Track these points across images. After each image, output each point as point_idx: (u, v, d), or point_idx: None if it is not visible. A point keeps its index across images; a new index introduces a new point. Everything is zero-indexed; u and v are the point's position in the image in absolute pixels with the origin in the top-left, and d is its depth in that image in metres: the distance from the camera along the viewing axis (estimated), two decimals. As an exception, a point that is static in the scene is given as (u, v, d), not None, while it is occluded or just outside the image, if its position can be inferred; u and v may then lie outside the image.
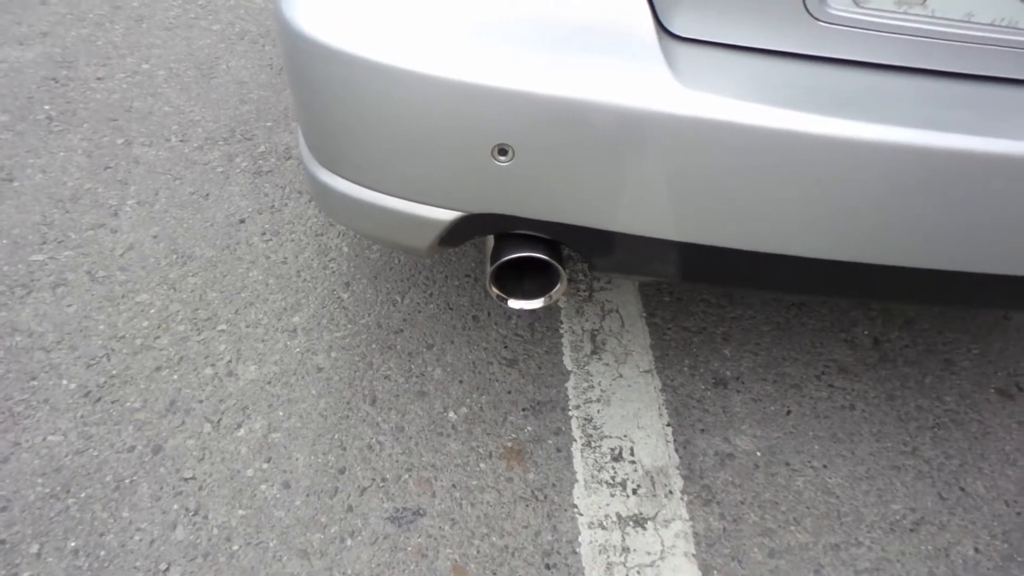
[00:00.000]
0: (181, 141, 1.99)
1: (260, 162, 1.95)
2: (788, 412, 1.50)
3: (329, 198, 1.11)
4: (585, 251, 1.08)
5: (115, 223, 1.70)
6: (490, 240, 1.14)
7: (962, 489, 1.40)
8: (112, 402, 1.33)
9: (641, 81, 0.88)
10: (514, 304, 1.13)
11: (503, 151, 0.94)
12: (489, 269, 1.09)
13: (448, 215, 1.04)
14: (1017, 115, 0.95)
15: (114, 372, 1.38)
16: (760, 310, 1.72)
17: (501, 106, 0.90)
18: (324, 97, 0.98)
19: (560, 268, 1.08)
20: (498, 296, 1.13)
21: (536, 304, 1.12)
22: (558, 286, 1.11)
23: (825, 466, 1.40)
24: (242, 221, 1.76)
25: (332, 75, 0.95)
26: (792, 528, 1.30)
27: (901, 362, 1.64)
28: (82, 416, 1.30)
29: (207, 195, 1.82)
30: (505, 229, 1.07)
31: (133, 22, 2.50)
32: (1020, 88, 0.96)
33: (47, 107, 2.04)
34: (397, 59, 0.90)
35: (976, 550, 1.30)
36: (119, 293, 1.54)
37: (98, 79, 2.18)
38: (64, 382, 1.35)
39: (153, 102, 2.12)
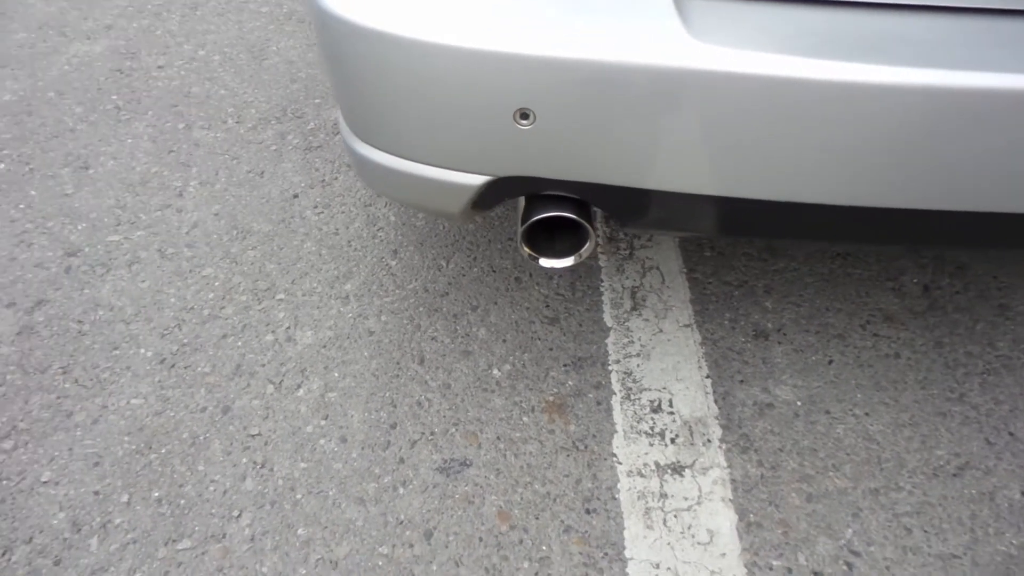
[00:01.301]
0: (237, 122, 2.09)
1: (310, 138, 2.04)
2: (830, 362, 1.50)
3: (368, 169, 1.17)
4: (612, 209, 1.12)
5: (180, 203, 1.82)
6: (521, 202, 1.19)
7: (1011, 434, 1.38)
8: (185, 368, 1.46)
9: (653, 38, 0.90)
10: (545, 263, 1.17)
11: (524, 115, 0.98)
12: (520, 229, 1.13)
13: (478, 179, 1.09)
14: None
15: (185, 340, 1.50)
16: (804, 262, 1.71)
17: (519, 71, 0.94)
18: (355, 73, 1.04)
19: (589, 226, 1.11)
20: (529, 255, 1.18)
21: (567, 262, 1.16)
22: (587, 244, 1.15)
23: (867, 414, 1.41)
24: (295, 196, 1.86)
25: (361, 52, 1.00)
26: (831, 474, 1.32)
27: (951, 309, 1.61)
28: (159, 381, 1.43)
29: (262, 173, 1.92)
30: (534, 191, 1.11)
31: (188, 10, 2.62)
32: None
33: (115, 97, 2.18)
34: (418, 32, 0.94)
35: (1023, 494, 1.29)
36: (187, 268, 1.66)
37: (159, 67, 2.31)
38: (142, 351, 1.48)
39: (210, 86, 2.23)
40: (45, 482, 1.27)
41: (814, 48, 0.91)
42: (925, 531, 1.24)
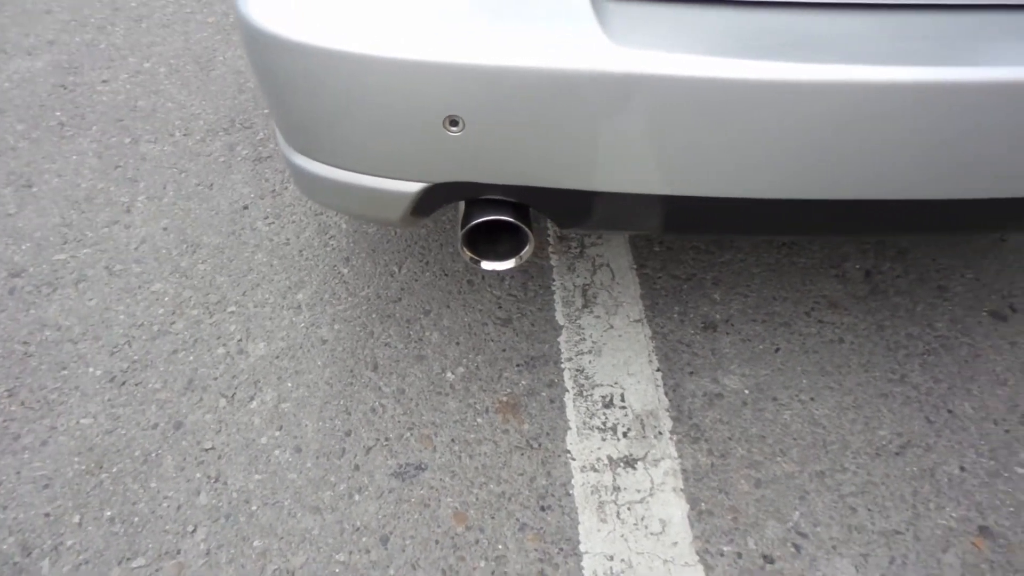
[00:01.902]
0: (184, 135, 2.08)
1: (260, 149, 2.03)
2: (777, 350, 1.54)
3: (306, 180, 1.18)
4: (547, 210, 1.13)
5: (128, 219, 1.81)
6: (461, 206, 1.20)
7: (950, 411, 1.43)
8: (135, 385, 1.44)
9: (573, 43, 0.92)
10: (486, 266, 1.19)
11: (454, 122, 0.99)
12: (460, 233, 1.15)
13: (414, 187, 1.10)
14: (962, 41, 0.96)
15: (135, 357, 1.49)
16: (750, 253, 1.75)
17: (445, 79, 0.95)
18: (285, 86, 1.05)
19: (527, 229, 1.13)
20: (471, 259, 1.19)
21: (507, 265, 1.18)
22: (527, 247, 1.17)
23: (812, 399, 1.45)
24: (245, 207, 1.85)
25: (289, 65, 1.01)
26: (778, 459, 1.35)
27: (892, 292, 1.66)
28: (109, 399, 1.42)
29: (211, 185, 1.91)
30: (471, 196, 1.13)
31: (133, 22, 2.58)
32: (958, 14, 0.98)
33: (58, 113, 2.15)
34: (343, 44, 0.95)
35: (962, 468, 1.34)
36: (135, 284, 1.64)
37: (103, 82, 2.28)
38: (91, 369, 1.47)
39: (156, 99, 2.21)
40: (-7, 508, 1.25)
41: (729, 48, 0.93)
42: (869, 509, 1.28)
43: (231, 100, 2.21)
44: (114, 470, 1.31)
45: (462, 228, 1.14)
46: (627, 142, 0.99)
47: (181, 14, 2.63)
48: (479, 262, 1.19)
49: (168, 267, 1.69)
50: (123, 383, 1.45)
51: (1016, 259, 1.75)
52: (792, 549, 1.23)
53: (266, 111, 2.16)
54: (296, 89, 1.03)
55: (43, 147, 2.02)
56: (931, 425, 1.41)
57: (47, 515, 1.25)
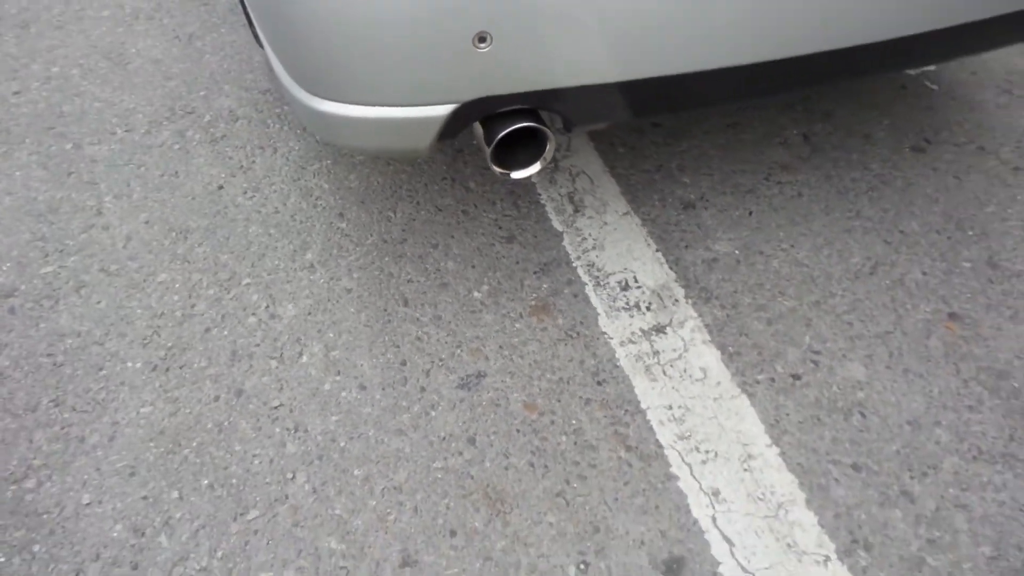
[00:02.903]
0: (127, 131, 2.02)
1: (211, 130, 2.01)
2: (750, 213, 1.74)
3: (329, 124, 1.23)
4: (563, 110, 1.25)
5: (103, 221, 1.77)
6: (478, 128, 1.29)
7: (901, 232, 1.68)
8: (180, 368, 1.47)
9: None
10: (516, 174, 1.30)
11: (482, 38, 1.09)
12: (488, 151, 1.25)
13: (444, 110, 1.18)
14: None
15: (169, 344, 1.51)
16: (703, 138, 1.93)
17: (473, -1, 1.04)
18: (311, 27, 1.10)
19: (548, 130, 1.24)
20: (500, 172, 1.29)
21: (535, 168, 1.29)
22: (548, 146, 1.28)
23: (792, 246, 1.66)
24: (220, 187, 1.85)
25: (317, 5, 1.06)
26: (779, 299, 1.56)
27: (829, 148, 1.89)
28: (160, 385, 1.44)
29: (176, 173, 1.89)
30: (491, 111, 1.23)
31: (20, 29, 2.43)
32: None
33: (-21, 134, 2.03)
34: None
35: (923, 273, 1.59)
36: (139, 279, 1.64)
37: (15, 93, 2.16)
38: (129, 364, 1.48)
39: (81, 102, 2.13)
40: (88, 504, 1.27)
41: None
42: (862, 320, 1.51)
43: (161, 89, 2.16)
44: (193, 444, 1.35)
45: (488, 145, 1.24)
46: (634, 28, 1.11)
47: (70, 13, 2.50)
48: (508, 173, 1.30)
49: (166, 257, 1.68)
50: (167, 369, 1.47)
51: (917, 102, 2.03)
52: (812, 365, 1.44)
53: (203, 93, 2.13)
54: (323, 31, 1.08)
55: (-21, 169, 1.92)
56: (890, 246, 1.65)
57: (145, 497, 1.28)
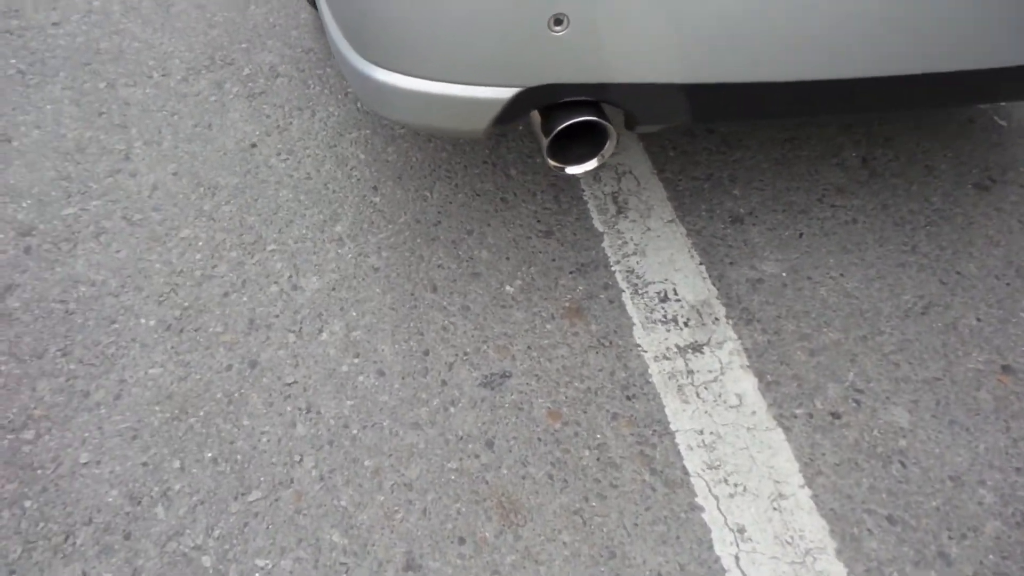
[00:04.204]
0: (163, 76, 1.95)
1: (250, 85, 1.94)
2: (800, 235, 1.66)
3: (383, 94, 1.16)
4: (630, 106, 1.17)
5: (130, 167, 1.71)
6: (535, 117, 1.22)
7: (958, 273, 1.59)
8: (195, 330, 1.41)
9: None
10: (571, 170, 1.22)
11: (559, 21, 1.01)
12: (545, 142, 1.17)
13: (506, 92, 1.11)
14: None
15: (186, 304, 1.45)
16: (758, 150, 1.85)
17: (554, -24, 0.96)
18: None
19: (610, 125, 1.17)
20: (555, 166, 1.22)
21: (592, 165, 1.22)
22: (608, 143, 1.21)
23: (842, 274, 1.58)
24: (253, 145, 1.78)
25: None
26: (824, 329, 1.48)
27: (888, 175, 1.80)
28: (172, 347, 1.38)
29: (210, 125, 1.82)
30: (556, 99, 1.15)
31: (63, -41, 2.36)
32: None
33: (13, 61, 1.97)
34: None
35: (978, 319, 1.51)
36: (161, 232, 1.58)
37: (54, 24, 2.09)
38: (143, 320, 1.42)
39: (120, 40, 2.06)
40: (85, 463, 1.22)
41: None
42: (910, 363, 1.43)
43: (203, 36, 2.09)
44: (201, 413, 1.29)
45: (546, 136, 1.17)
46: (720, 28, 1.03)
47: (116, -53, 2.42)
48: (563, 168, 1.22)
49: (191, 212, 1.62)
50: (181, 330, 1.41)
51: (985, 137, 1.93)
52: (853, 404, 1.37)
53: (244, 45, 2.06)
54: (391, -2, 1.01)
55: (9, 98, 1.86)
56: (945, 286, 1.57)
57: (145, 464, 1.22)
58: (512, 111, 1.15)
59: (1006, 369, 1.43)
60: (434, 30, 1.02)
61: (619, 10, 0.99)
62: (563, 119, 1.15)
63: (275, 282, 1.50)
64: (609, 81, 1.09)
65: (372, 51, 1.11)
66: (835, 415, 1.35)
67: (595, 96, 1.14)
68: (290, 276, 1.51)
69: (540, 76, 1.08)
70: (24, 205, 1.61)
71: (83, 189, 1.65)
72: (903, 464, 1.29)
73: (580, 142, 1.26)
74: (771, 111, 1.27)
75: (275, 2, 2.22)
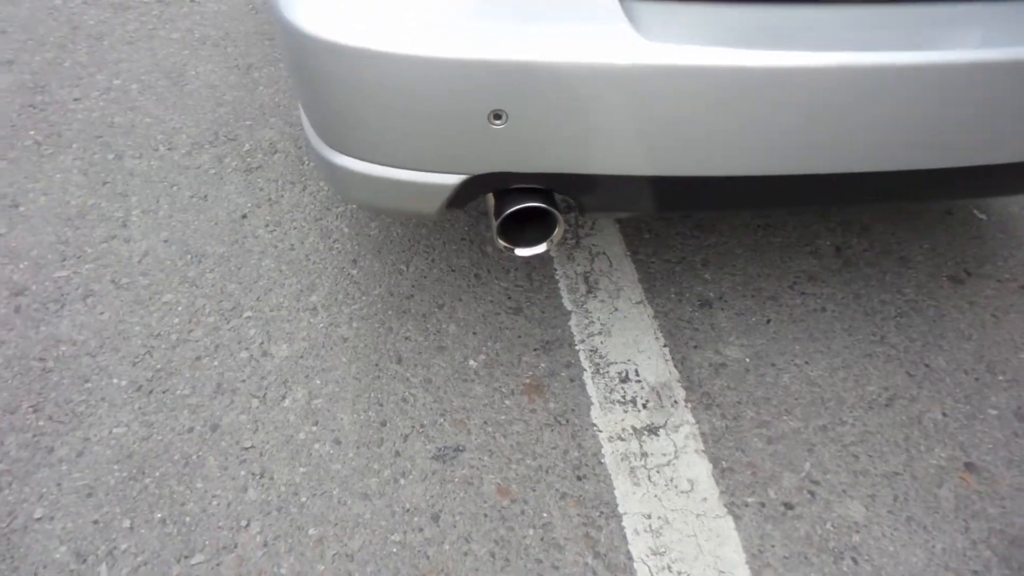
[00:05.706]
0: (169, 149, 2.07)
1: (248, 160, 2.05)
2: (768, 321, 1.67)
3: (343, 178, 1.23)
4: (576, 195, 1.22)
5: (126, 233, 1.80)
6: (490, 198, 1.28)
7: (927, 365, 1.59)
8: (163, 392, 1.46)
9: (609, 40, 1.02)
10: (520, 252, 1.27)
11: (498, 115, 1.07)
12: (494, 224, 1.22)
13: (454, 179, 1.17)
14: (922, 29, 1.11)
15: (159, 366, 1.50)
16: (731, 235, 1.88)
17: (490, 76, 1.03)
18: (331, 89, 1.10)
19: (557, 213, 1.22)
20: (504, 247, 1.27)
21: (540, 248, 1.26)
22: (557, 229, 1.26)
23: (806, 362, 1.58)
24: (244, 216, 1.87)
25: (337, 68, 1.07)
26: (784, 417, 1.48)
27: (862, 264, 1.82)
28: (139, 408, 1.42)
29: (205, 196, 1.92)
30: (503, 186, 1.21)
31: (94, 40, 2.55)
32: (920, 5, 1.13)
33: (32, 132, 2.11)
34: (394, 46, 1.02)
35: (944, 414, 1.49)
36: (145, 296, 1.65)
37: (75, 100, 2.25)
38: (115, 380, 1.47)
39: (133, 115, 2.20)
40: (39, 519, 1.25)
41: (740, 39, 1.05)
42: (869, 455, 1.41)
43: (210, 113, 2.22)
44: (156, 474, 1.32)
45: (496, 218, 1.22)
46: (657, 127, 1.09)
47: (143, 31, 2.61)
48: (513, 249, 1.27)
49: (176, 278, 1.69)
50: (150, 392, 1.46)
51: (963, 230, 1.95)
52: (808, 495, 1.35)
53: (248, 123, 2.18)
54: (345, 92, 1.09)
55: (23, 167, 1.99)
56: (912, 378, 1.56)
57: (96, 522, 1.25)
58: (462, 195, 1.21)
59: (969, 467, 1.41)
60: (383, 121, 1.09)
61: (551, 106, 1.05)
62: (512, 203, 1.20)
63: (246, 348, 1.55)
64: (548, 171, 1.14)
65: (331, 137, 1.18)
66: (788, 505, 1.33)
67: (541, 184, 1.20)
68: (261, 343, 1.56)
69: (484, 165, 1.14)
70: (21, 267, 1.70)
71: (78, 253, 1.74)
72: (855, 560, 1.26)
73: (533, 225, 1.31)
74: (728, 204, 1.31)
75: (282, 83, 2.36)
